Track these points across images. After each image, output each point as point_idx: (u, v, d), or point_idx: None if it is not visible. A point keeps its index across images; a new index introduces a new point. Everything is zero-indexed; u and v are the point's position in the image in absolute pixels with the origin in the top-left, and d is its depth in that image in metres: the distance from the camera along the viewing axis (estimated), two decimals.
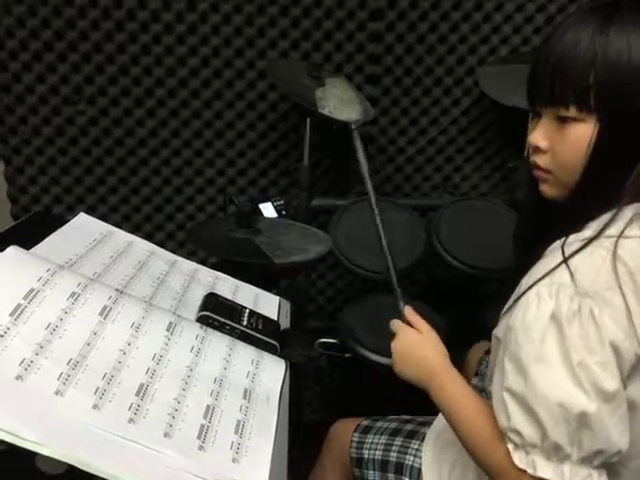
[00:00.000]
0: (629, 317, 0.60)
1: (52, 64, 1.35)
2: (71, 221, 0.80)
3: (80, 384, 0.54)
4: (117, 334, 0.60)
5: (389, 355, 1.10)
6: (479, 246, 1.32)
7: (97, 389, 0.54)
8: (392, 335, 0.87)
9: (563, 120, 0.66)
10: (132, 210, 1.52)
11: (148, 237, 1.53)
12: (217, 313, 0.73)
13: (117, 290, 0.66)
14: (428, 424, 0.96)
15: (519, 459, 0.63)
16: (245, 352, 0.69)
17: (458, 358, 1.30)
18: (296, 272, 1.33)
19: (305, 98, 1.27)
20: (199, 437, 0.56)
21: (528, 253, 0.72)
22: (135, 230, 1.53)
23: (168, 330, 0.64)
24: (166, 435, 0.54)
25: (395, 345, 0.85)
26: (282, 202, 1.33)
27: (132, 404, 0.55)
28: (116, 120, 1.42)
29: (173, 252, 1.53)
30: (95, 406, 0.53)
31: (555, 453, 0.61)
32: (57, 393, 0.52)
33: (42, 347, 0.54)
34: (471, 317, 1.38)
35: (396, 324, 0.87)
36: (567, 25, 0.65)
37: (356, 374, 1.41)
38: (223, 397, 0.61)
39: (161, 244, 1.52)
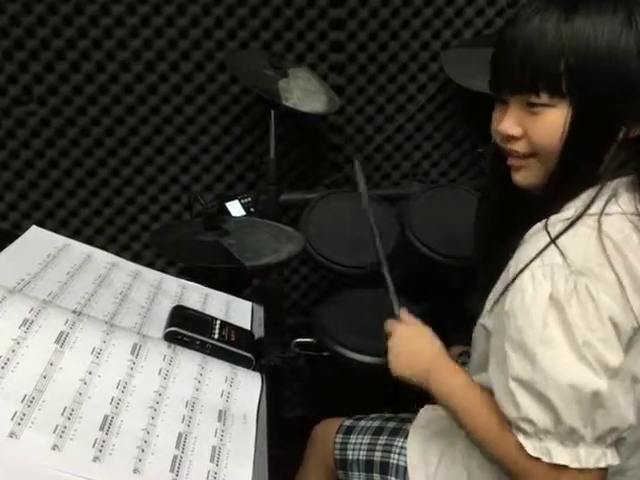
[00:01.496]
0: (622, 291, 0.61)
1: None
2: (22, 236, 0.74)
3: (37, 423, 0.49)
4: (76, 363, 0.55)
5: (367, 352, 1.09)
6: (451, 234, 1.30)
7: (56, 427, 0.50)
8: (387, 335, 0.86)
9: (533, 106, 0.66)
10: (93, 213, 1.45)
11: (111, 240, 1.48)
12: (186, 328, 0.69)
13: (74, 312, 0.61)
14: (410, 421, 0.94)
15: (532, 448, 0.63)
16: (218, 369, 0.65)
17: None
18: (269, 272, 1.29)
19: (268, 90, 1.22)
20: (172, 470, 0.52)
21: (496, 240, 0.71)
22: (97, 234, 1.47)
23: (132, 353, 0.60)
24: (135, 471, 0.50)
25: (390, 344, 0.84)
26: (250, 199, 1.28)
27: (96, 440, 0.51)
28: (70, 120, 1.35)
29: (138, 255, 1.50)
30: (55, 446, 0.48)
31: (570, 437, 0.61)
32: (11, 435, 0.47)
33: None
34: (447, 306, 1.37)
35: (390, 324, 0.87)
36: (531, 12, 0.64)
37: (335, 372, 1.39)
38: (196, 422, 0.57)
39: (125, 247, 1.49)
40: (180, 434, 0.55)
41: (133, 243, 1.50)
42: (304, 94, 1.27)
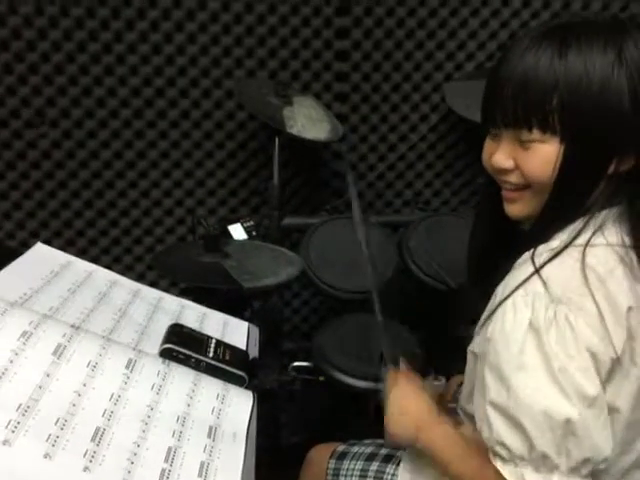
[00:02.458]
0: (602, 321, 0.61)
1: (12, 86, 1.31)
2: (27, 253, 0.77)
3: (31, 431, 0.50)
4: (72, 375, 0.57)
5: (363, 377, 1.09)
6: (450, 262, 1.32)
7: (49, 436, 0.51)
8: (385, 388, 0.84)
9: (525, 141, 0.67)
10: (99, 234, 1.48)
11: (116, 260, 1.50)
12: (181, 345, 0.71)
13: (73, 326, 0.63)
14: (403, 447, 0.94)
15: (509, 473, 0.62)
16: (210, 387, 0.66)
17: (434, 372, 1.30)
18: (268, 293, 1.31)
19: (273, 117, 1.25)
20: None
21: (487, 269, 0.72)
22: (102, 254, 1.50)
23: (127, 367, 0.61)
24: None
25: (388, 402, 0.82)
26: (252, 223, 1.31)
27: (87, 450, 0.52)
28: (80, 143, 1.39)
29: (142, 275, 1.52)
30: (47, 455, 0.50)
31: (543, 463, 0.61)
32: (4, 443, 0.49)
33: None
34: (445, 333, 1.37)
35: (389, 378, 0.84)
36: (524, 48, 0.65)
37: (332, 397, 1.39)
38: (186, 437, 0.58)
39: (129, 268, 1.52)
40: (170, 448, 0.56)
41: (137, 264, 1.53)
42: (308, 122, 1.30)
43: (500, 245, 0.78)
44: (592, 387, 0.59)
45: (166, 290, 1.11)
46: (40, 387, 0.54)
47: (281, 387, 1.20)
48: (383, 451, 0.96)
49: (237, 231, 1.26)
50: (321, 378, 1.14)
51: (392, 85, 1.47)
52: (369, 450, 0.98)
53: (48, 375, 0.56)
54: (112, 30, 1.30)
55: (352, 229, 1.33)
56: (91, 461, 0.51)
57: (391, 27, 1.41)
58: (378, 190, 1.58)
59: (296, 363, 1.18)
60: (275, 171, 1.33)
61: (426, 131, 1.53)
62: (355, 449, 0.99)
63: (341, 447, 1.01)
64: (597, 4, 1.44)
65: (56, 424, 0.52)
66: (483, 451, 0.66)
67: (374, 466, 0.94)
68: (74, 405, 0.55)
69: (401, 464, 0.91)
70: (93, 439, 0.53)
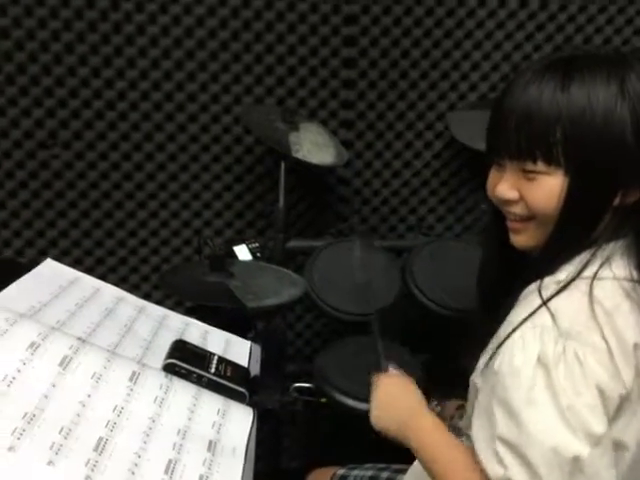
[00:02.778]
0: (611, 358, 0.61)
1: (27, 108, 1.35)
2: (36, 268, 0.79)
3: (35, 439, 0.52)
4: (77, 385, 0.58)
5: (364, 399, 1.09)
6: (453, 287, 1.33)
7: (53, 444, 0.52)
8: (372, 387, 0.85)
9: (529, 172, 0.67)
10: (106, 253, 1.50)
11: (122, 280, 1.52)
12: (184, 361, 0.72)
13: (79, 339, 0.64)
14: (403, 472, 0.94)
15: None
16: (211, 401, 0.68)
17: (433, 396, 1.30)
18: (271, 315, 1.32)
19: (279, 142, 1.29)
20: None
21: (497, 298, 0.72)
22: (109, 273, 1.52)
23: (131, 380, 0.63)
24: None
25: (373, 397, 0.83)
26: (257, 244, 1.33)
27: (89, 460, 0.53)
28: (91, 164, 1.42)
29: (148, 295, 1.54)
30: (50, 462, 0.51)
31: None
32: (10, 449, 0.50)
33: None
34: (446, 358, 1.37)
35: (376, 377, 0.86)
36: (527, 81, 0.66)
37: (333, 419, 1.39)
38: (186, 450, 0.59)
39: (135, 287, 1.54)
40: (170, 460, 0.57)
41: (143, 283, 1.55)
42: (313, 147, 1.33)
43: (509, 274, 0.77)
44: (598, 424, 0.59)
45: (171, 309, 1.13)
46: (46, 397, 0.56)
47: (283, 408, 1.20)
48: (384, 475, 0.97)
49: (242, 252, 1.28)
50: (322, 400, 1.14)
51: (397, 113, 1.51)
52: (369, 474, 0.98)
53: (54, 385, 0.57)
54: (125, 57, 1.34)
55: (357, 253, 1.36)
56: (93, 470, 0.52)
57: (396, 57, 1.45)
58: (382, 215, 1.60)
59: (298, 384, 1.18)
60: (281, 194, 1.36)
61: (430, 158, 1.55)
62: (355, 472, 1.00)
63: (341, 471, 1.02)
64: (598, 38, 1.48)
65: (60, 433, 0.54)
66: (470, 456, 0.66)
67: None
68: (78, 415, 0.56)
69: None
70: (96, 449, 0.54)
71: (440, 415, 1.22)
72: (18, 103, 1.34)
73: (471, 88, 1.50)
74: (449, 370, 1.20)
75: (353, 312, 1.27)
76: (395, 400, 0.81)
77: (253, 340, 0.96)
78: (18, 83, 1.33)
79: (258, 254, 1.32)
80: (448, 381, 1.23)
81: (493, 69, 1.49)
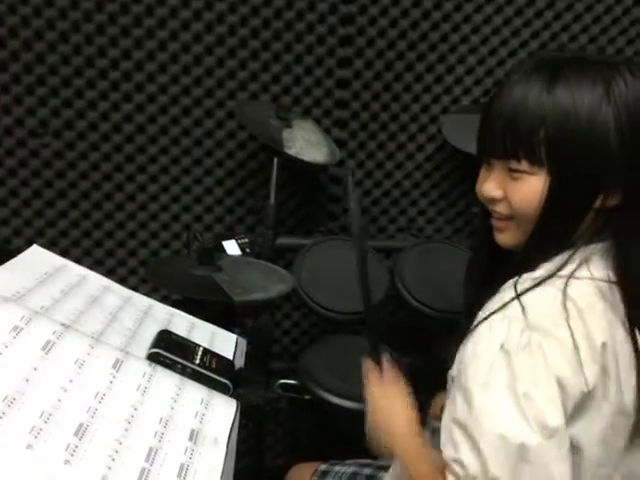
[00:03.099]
0: (576, 354, 0.61)
1: (19, 95, 1.34)
2: (22, 254, 0.78)
3: (15, 423, 0.51)
4: (59, 370, 0.58)
5: (348, 397, 1.09)
6: (441, 289, 1.33)
7: (33, 428, 0.52)
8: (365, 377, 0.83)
9: (514, 171, 0.68)
10: (94, 244, 1.49)
11: (110, 272, 1.51)
12: (169, 351, 0.72)
13: (63, 325, 0.64)
14: (385, 468, 0.94)
15: None
16: (195, 391, 0.67)
17: (423, 402, 1.30)
18: (258, 311, 1.32)
19: (272, 138, 1.29)
20: None
21: (481, 294, 0.73)
22: (97, 265, 1.50)
23: (114, 367, 0.62)
24: (104, 478, 0.52)
25: (368, 397, 0.81)
26: (246, 240, 1.33)
27: (69, 444, 0.52)
28: (82, 154, 1.41)
29: (134, 288, 1.52)
30: (29, 446, 0.50)
31: None
32: None
33: None
34: (433, 360, 1.37)
35: (369, 370, 0.84)
36: (515, 83, 0.67)
37: (317, 416, 1.39)
38: (167, 439, 0.59)
39: (123, 279, 1.53)
40: (151, 448, 0.57)
41: (130, 276, 1.54)
42: (306, 144, 1.33)
43: (493, 273, 0.78)
44: (555, 418, 0.59)
45: (160, 302, 1.12)
46: (27, 380, 0.55)
47: (267, 404, 1.20)
48: (366, 471, 0.97)
49: (231, 247, 1.28)
50: (307, 397, 1.14)
51: (391, 115, 1.51)
52: (351, 470, 0.98)
53: (35, 369, 0.57)
54: (120, 48, 1.34)
55: (346, 251, 1.36)
56: (72, 455, 0.52)
57: (392, 59, 1.45)
58: (373, 215, 1.60)
59: (282, 380, 1.18)
60: (272, 191, 1.36)
61: (422, 160, 1.56)
62: (337, 468, 1.00)
63: (323, 466, 1.02)
64: (593, 47, 1.50)
65: (40, 417, 0.53)
66: (439, 462, 0.65)
67: None
68: (59, 400, 0.56)
69: None
70: (76, 434, 0.54)
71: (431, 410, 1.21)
72: (10, 91, 1.33)
73: (465, 92, 1.51)
74: (435, 372, 1.20)
75: (340, 310, 1.27)
76: (387, 408, 0.78)
77: (239, 335, 0.96)
78: (10, 71, 1.32)
79: (247, 250, 1.32)
80: (434, 383, 1.24)
81: (487, 74, 1.50)
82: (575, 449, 0.62)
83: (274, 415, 1.64)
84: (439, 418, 0.75)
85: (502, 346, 0.62)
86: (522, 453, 0.58)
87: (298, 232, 1.57)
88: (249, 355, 0.94)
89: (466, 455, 0.61)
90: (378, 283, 1.35)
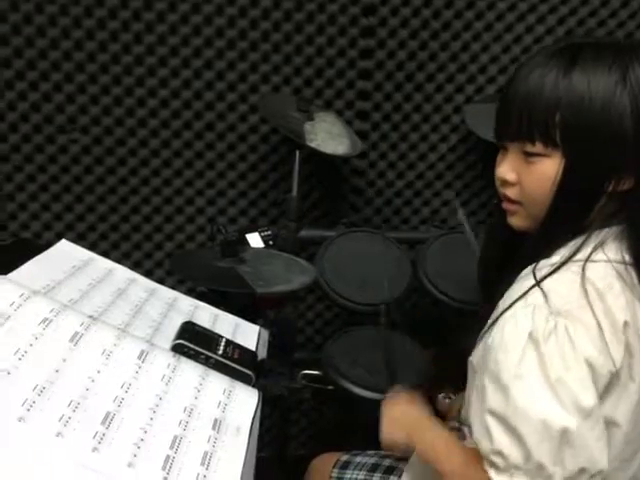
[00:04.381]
0: (601, 335, 0.62)
1: (47, 93, 1.37)
2: (52, 248, 0.81)
3: (45, 411, 0.53)
4: (86, 361, 0.60)
5: (371, 387, 1.10)
6: (465, 279, 1.32)
7: (62, 416, 0.54)
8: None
9: (529, 155, 0.69)
10: (121, 238, 1.52)
11: (136, 265, 1.54)
12: (192, 342, 0.73)
13: (90, 317, 0.66)
14: (406, 460, 0.95)
15: None
16: (217, 381, 0.69)
17: (444, 389, 1.30)
18: (281, 302, 1.33)
19: (294, 131, 1.29)
20: (164, 468, 0.55)
21: (496, 281, 0.74)
22: (123, 258, 1.54)
23: (139, 358, 0.64)
24: (130, 465, 0.53)
25: (383, 418, 0.86)
26: (269, 232, 1.34)
27: (97, 432, 0.54)
28: (108, 149, 1.44)
29: (161, 280, 1.56)
30: (59, 434, 0.52)
31: (539, 473, 0.61)
32: (20, 420, 0.52)
33: (9, 373, 0.54)
34: (457, 351, 1.37)
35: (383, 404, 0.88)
36: (533, 66, 0.68)
37: (340, 406, 1.40)
38: (191, 427, 0.60)
39: (149, 272, 1.56)
40: (175, 436, 0.59)
41: (156, 269, 1.57)
42: (328, 137, 1.33)
43: (509, 258, 0.79)
44: (588, 398, 0.60)
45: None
46: (57, 371, 0.57)
47: (291, 395, 1.22)
48: (386, 462, 0.98)
49: (255, 240, 1.29)
50: (329, 387, 1.15)
51: (413, 105, 1.50)
52: (372, 461, 0.99)
53: (64, 360, 0.59)
54: (145, 44, 1.35)
55: (369, 244, 1.36)
56: (100, 442, 0.54)
57: (414, 49, 1.44)
58: (396, 207, 1.60)
59: (305, 371, 1.20)
60: (294, 184, 1.37)
61: (445, 151, 1.55)
62: (358, 459, 1.01)
63: (344, 457, 1.03)
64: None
65: (69, 406, 0.55)
66: (470, 452, 0.67)
67: (376, 477, 0.95)
68: (87, 390, 0.58)
69: (403, 476, 0.92)
70: (103, 422, 0.56)
71: (450, 407, 1.22)
72: (39, 88, 1.36)
73: (489, 81, 1.49)
74: (460, 363, 1.20)
75: (363, 302, 1.28)
76: (402, 416, 0.84)
77: (262, 327, 0.97)
78: (39, 68, 1.35)
79: (270, 242, 1.33)
80: (458, 374, 1.23)
81: (512, 62, 1.48)
82: (612, 425, 0.63)
83: (298, 405, 1.65)
84: (455, 418, 0.77)
85: (530, 335, 0.63)
86: (564, 436, 0.60)
87: (321, 224, 1.57)
88: (273, 346, 0.96)
89: (506, 445, 0.62)
90: (401, 275, 1.35)
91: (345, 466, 1.00)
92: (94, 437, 0.54)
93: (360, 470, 0.98)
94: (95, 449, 0.53)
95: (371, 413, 1.17)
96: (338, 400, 1.17)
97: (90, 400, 0.57)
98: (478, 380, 0.69)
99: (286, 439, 1.63)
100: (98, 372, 0.60)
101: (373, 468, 0.97)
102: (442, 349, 1.46)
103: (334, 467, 1.01)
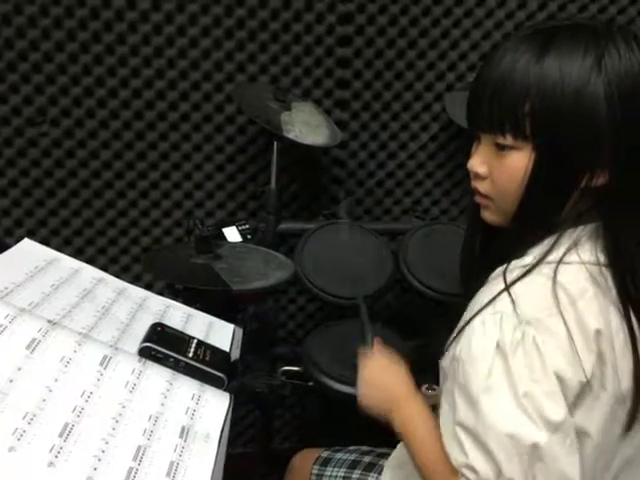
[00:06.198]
0: (571, 344, 0.59)
1: (15, 85, 1.32)
2: (13, 248, 0.77)
3: None
4: (44, 369, 0.57)
5: (351, 383, 1.08)
6: (447, 271, 1.31)
7: (15, 430, 0.51)
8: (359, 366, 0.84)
9: (501, 147, 0.65)
10: (96, 233, 1.48)
11: (112, 261, 1.50)
12: (161, 344, 0.70)
13: (50, 321, 0.63)
14: (386, 456, 0.94)
15: None
16: (186, 387, 0.66)
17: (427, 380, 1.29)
18: (260, 298, 1.31)
19: (270, 122, 1.26)
20: None
21: (473, 279, 0.71)
22: (99, 253, 1.50)
23: (101, 364, 0.61)
24: (89, 479, 0.51)
25: (360, 375, 0.82)
26: (247, 226, 1.31)
27: (54, 446, 0.52)
28: (80, 142, 1.40)
29: (138, 277, 1.53)
30: (11, 448, 0.50)
31: None
32: None
33: None
34: (438, 343, 1.36)
35: (362, 354, 0.85)
36: (504, 52, 0.64)
37: (322, 402, 1.38)
38: (157, 437, 0.58)
39: (126, 268, 1.52)
40: (139, 447, 0.56)
41: (134, 264, 1.53)
42: (306, 127, 1.30)
43: (486, 251, 0.77)
44: (557, 411, 0.58)
45: (161, 291, 1.11)
46: (10, 380, 0.54)
47: (271, 392, 1.19)
48: (366, 459, 0.96)
49: (232, 234, 1.26)
50: (310, 383, 1.13)
51: (393, 94, 1.47)
52: (352, 457, 0.98)
53: (19, 369, 0.56)
54: (115, 32, 1.31)
55: (349, 236, 1.34)
56: (57, 456, 0.51)
57: (393, 37, 1.41)
58: (377, 197, 1.58)
59: (285, 367, 1.17)
60: (273, 176, 1.34)
61: (426, 140, 1.52)
62: (339, 455, 0.99)
63: (325, 453, 1.01)
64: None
65: (24, 418, 0.52)
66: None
67: (356, 474, 0.94)
68: (44, 400, 0.55)
69: (383, 473, 0.90)
70: (61, 435, 0.53)
71: (432, 399, 1.21)
72: (6, 79, 1.31)
73: (469, 68, 1.46)
74: (441, 355, 1.19)
75: (343, 295, 1.25)
76: (381, 379, 0.80)
77: (243, 322, 0.95)
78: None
79: (248, 236, 1.30)
80: (437, 367, 1.22)
81: (493, 48, 1.44)
82: (583, 435, 0.61)
83: (281, 399, 1.64)
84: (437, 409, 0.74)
85: (497, 346, 0.60)
86: (534, 452, 0.57)
87: (300, 217, 1.54)
88: (252, 341, 0.93)
89: (478, 460, 0.60)
90: (382, 266, 1.33)
91: (325, 463, 0.99)
92: (50, 451, 0.51)
93: (340, 467, 0.96)
94: (51, 464, 0.50)
95: (351, 408, 1.16)
96: (318, 396, 1.15)
97: (47, 411, 0.54)
98: (449, 386, 0.66)
99: (270, 433, 1.61)
100: (56, 381, 0.57)
101: (353, 465, 0.95)
102: (423, 340, 1.45)
103: (315, 464, 1.00)
